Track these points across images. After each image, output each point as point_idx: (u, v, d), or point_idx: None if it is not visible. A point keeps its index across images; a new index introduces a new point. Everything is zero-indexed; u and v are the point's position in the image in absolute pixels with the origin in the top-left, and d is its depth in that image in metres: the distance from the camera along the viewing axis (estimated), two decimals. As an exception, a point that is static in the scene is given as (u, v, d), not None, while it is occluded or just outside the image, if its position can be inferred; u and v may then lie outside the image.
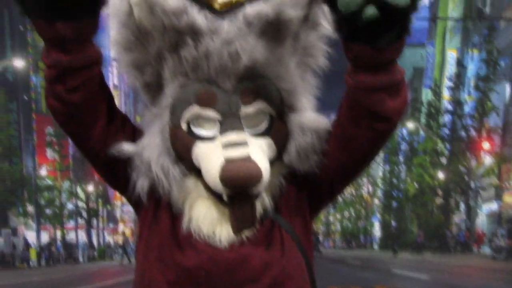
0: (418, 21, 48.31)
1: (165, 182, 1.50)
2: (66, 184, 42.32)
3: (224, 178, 1.42)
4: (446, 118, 37.01)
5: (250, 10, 1.46)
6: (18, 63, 30.93)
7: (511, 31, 35.65)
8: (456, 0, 50.09)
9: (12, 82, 41.29)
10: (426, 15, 51.74)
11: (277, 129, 1.50)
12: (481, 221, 34.77)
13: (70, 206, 43.33)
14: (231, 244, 1.50)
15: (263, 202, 1.52)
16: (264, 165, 1.45)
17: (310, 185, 1.56)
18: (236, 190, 1.44)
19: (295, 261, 1.54)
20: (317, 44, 1.55)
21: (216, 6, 1.47)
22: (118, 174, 1.55)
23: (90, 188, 44.63)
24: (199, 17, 1.46)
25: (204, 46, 1.45)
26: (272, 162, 1.49)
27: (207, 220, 1.51)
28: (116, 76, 60.05)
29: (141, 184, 1.51)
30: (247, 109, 1.48)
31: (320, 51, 1.56)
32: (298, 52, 1.54)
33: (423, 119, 41.22)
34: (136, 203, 1.58)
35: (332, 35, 1.50)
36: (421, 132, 42.23)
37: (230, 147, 1.44)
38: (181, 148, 1.50)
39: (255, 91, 1.48)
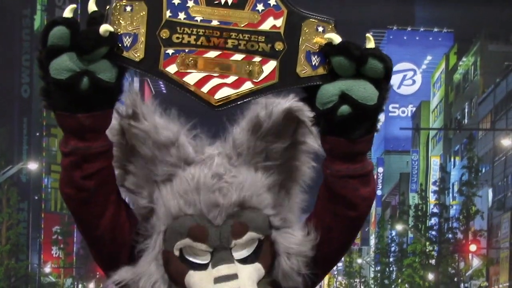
0: (402, 131, 51.26)
1: None
2: (68, 282, 43.10)
3: None
4: (433, 221, 38.37)
5: (238, 136, 1.62)
6: (32, 166, 31.62)
7: (488, 140, 37.75)
8: (436, 111, 53.48)
9: (25, 183, 42.91)
10: (410, 126, 55.03)
11: (265, 252, 1.61)
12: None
13: (70, 304, 43.84)
14: None
15: None
16: None
17: None
18: None
19: None
20: (303, 159, 1.67)
21: (214, 102, 1.59)
22: (120, 267, 1.62)
23: (91, 286, 45.31)
24: (189, 149, 1.61)
25: (195, 180, 1.58)
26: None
27: None
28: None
29: None
30: (237, 241, 1.58)
31: (306, 165, 1.68)
32: (285, 170, 1.65)
33: (411, 222, 42.74)
34: None
35: (317, 150, 1.64)
36: (410, 234, 43.86)
37: (221, 281, 1.55)
38: (174, 273, 1.60)
39: (245, 224, 1.59)
